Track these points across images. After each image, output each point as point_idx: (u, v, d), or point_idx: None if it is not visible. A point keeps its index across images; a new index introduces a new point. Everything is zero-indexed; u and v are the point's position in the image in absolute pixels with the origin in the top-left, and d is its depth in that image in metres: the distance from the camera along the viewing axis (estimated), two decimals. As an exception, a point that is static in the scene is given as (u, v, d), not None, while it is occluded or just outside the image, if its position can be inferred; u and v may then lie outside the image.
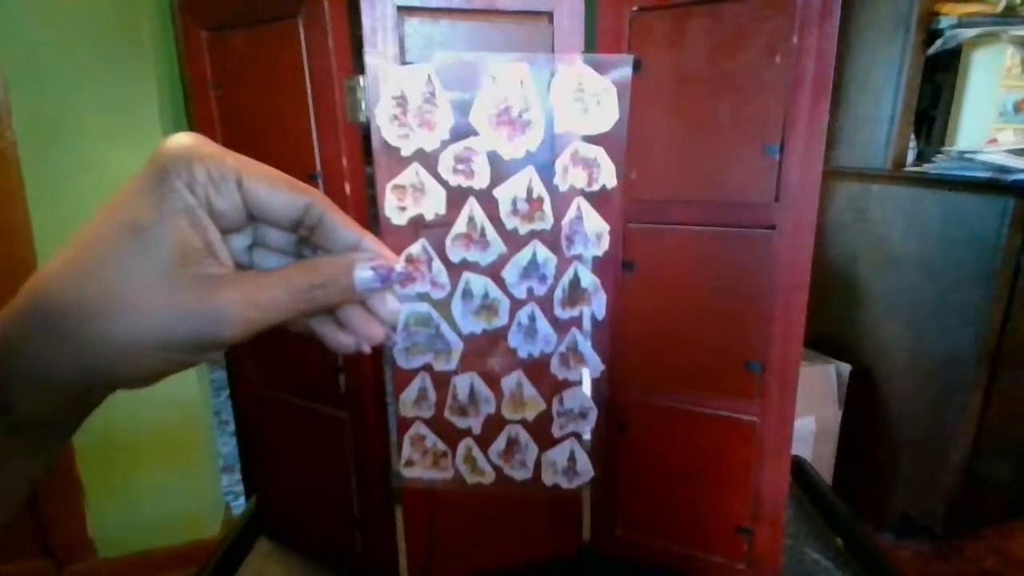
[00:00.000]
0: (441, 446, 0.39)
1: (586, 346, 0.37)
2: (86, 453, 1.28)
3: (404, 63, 0.50)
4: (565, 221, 0.35)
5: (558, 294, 0.36)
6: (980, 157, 1.33)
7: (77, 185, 1.18)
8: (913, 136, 1.49)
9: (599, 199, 0.35)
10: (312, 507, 0.67)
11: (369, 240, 0.28)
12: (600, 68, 0.34)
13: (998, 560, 1.39)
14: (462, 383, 0.37)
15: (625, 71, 0.34)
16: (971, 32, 1.36)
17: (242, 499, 1.66)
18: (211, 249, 0.24)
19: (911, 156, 1.49)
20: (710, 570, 0.61)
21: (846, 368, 1.50)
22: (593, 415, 0.39)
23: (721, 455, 0.59)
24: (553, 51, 0.52)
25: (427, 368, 0.36)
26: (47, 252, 1.17)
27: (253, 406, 0.67)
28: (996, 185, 1.25)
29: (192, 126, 0.68)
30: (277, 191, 0.26)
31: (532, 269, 0.35)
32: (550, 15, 0.51)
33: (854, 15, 1.51)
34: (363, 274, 0.28)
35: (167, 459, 1.37)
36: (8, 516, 0.25)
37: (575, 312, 0.36)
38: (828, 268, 1.62)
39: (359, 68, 0.50)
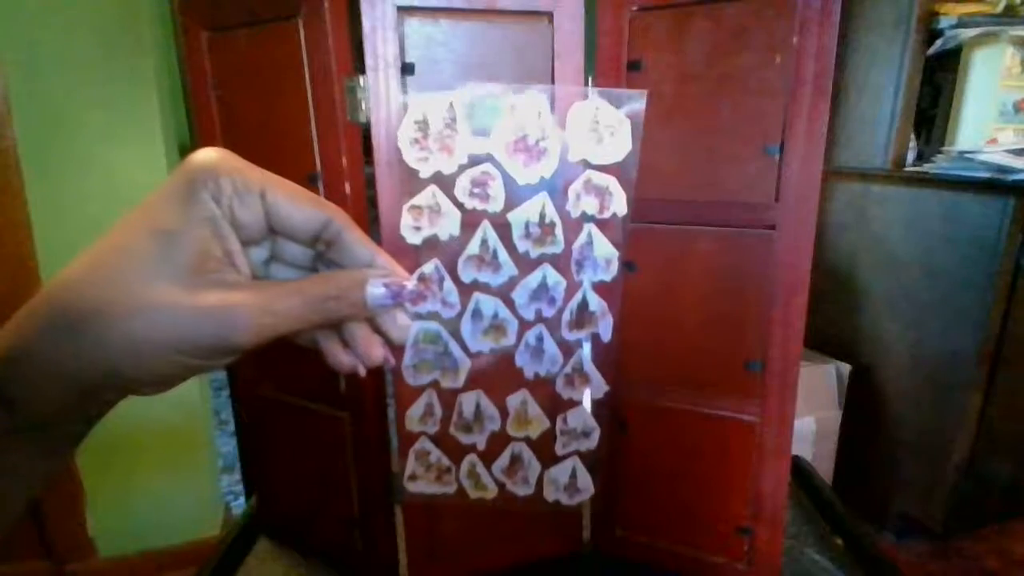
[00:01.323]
0: (445, 461, 0.40)
1: (591, 367, 0.38)
2: (86, 453, 1.28)
3: (404, 63, 0.50)
4: (575, 246, 0.36)
5: (566, 316, 0.37)
6: (980, 157, 1.33)
7: (77, 185, 1.18)
8: (913, 136, 1.49)
9: (609, 226, 0.36)
10: (312, 507, 0.67)
11: (383, 258, 0.29)
12: (615, 101, 0.35)
13: (999, 560, 1.39)
14: (468, 400, 0.38)
15: (639, 105, 0.35)
16: (971, 32, 1.36)
17: (242, 499, 1.66)
18: (231, 258, 0.25)
19: (911, 156, 1.49)
20: (710, 570, 0.61)
21: (846, 368, 1.50)
22: (596, 434, 0.40)
23: (721, 455, 0.59)
24: (553, 51, 0.52)
25: (434, 385, 0.36)
26: (47, 252, 1.17)
27: (253, 406, 0.67)
28: (996, 185, 1.25)
29: (192, 126, 0.68)
30: (298, 205, 0.27)
31: (542, 292, 0.36)
32: (550, 15, 0.51)
33: (854, 15, 1.51)
34: (375, 290, 0.28)
35: (167, 459, 1.37)
36: (11, 519, 0.25)
37: (582, 334, 0.37)
38: (828, 268, 1.62)
39: (359, 68, 0.50)
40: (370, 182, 0.53)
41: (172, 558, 1.39)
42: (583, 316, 0.37)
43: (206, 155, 0.25)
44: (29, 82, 1.12)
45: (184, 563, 1.37)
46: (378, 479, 0.60)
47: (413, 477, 0.40)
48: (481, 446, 0.39)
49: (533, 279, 0.36)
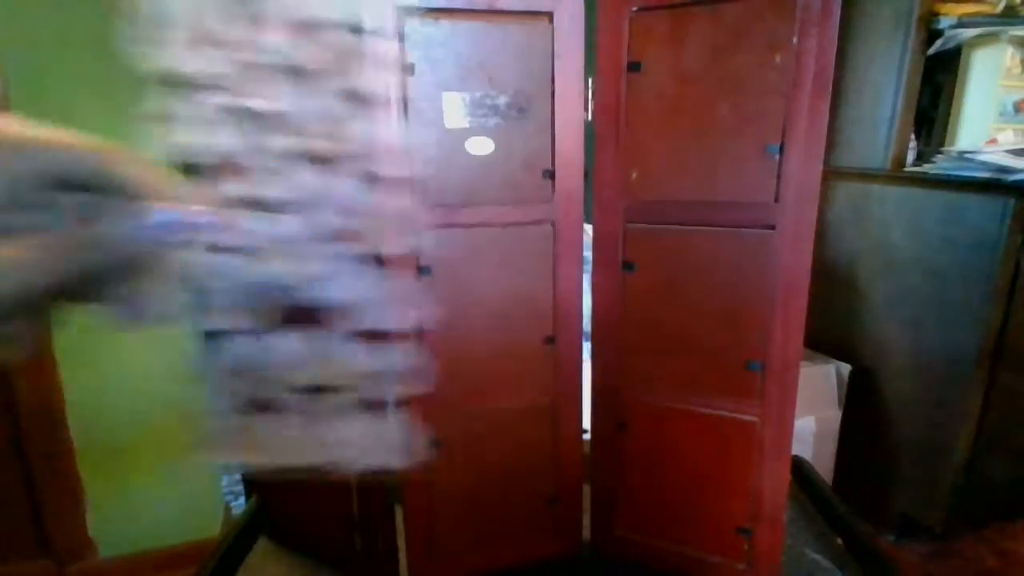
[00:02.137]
0: (261, 425, 0.35)
1: (407, 291, 0.34)
2: (86, 453, 1.28)
3: (405, 64, 0.50)
4: (361, 149, 0.32)
5: (371, 236, 0.33)
6: (980, 157, 1.33)
7: (77, 185, 1.18)
8: (913, 136, 1.49)
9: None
10: (312, 507, 0.67)
11: (171, 191, 0.26)
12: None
13: (999, 560, 1.39)
14: (280, 345, 0.33)
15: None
16: (971, 32, 1.36)
17: (242, 499, 1.66)
18: None
19: (911, 156, 1.49)
20: (710, 570, 0.61)
21: (846, 368, 1.50)
22: (410, 373, 0.34)
23: (721, 455, 0.59)
24: (553, 51, 0.52)
25: (241, 331, 0.32)
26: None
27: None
28: (996, 185, 1.25)
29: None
30: (62, 149, 0.25)
31: (343, 211, 0.32)
32: (550, 15, 0.51)
33: (854, 15, 1.51)
34: (158, 217, 0.25)
35: (167, 459, 1.36)
36: None
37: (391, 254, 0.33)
38: (828, 268, 1.62)
39: (359, 68, 0.50)
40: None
41: (172, 558, 1.39)
42: (389, 232, 0.33)
43: None
44: (29, 82, 1.12)
45: (184, 563, 1.37)
46: (378, 479, 0.60)
47: (222, 444, 0.34)
48: (297, 403, 0.34)
49: (332, 198, 0.32)
